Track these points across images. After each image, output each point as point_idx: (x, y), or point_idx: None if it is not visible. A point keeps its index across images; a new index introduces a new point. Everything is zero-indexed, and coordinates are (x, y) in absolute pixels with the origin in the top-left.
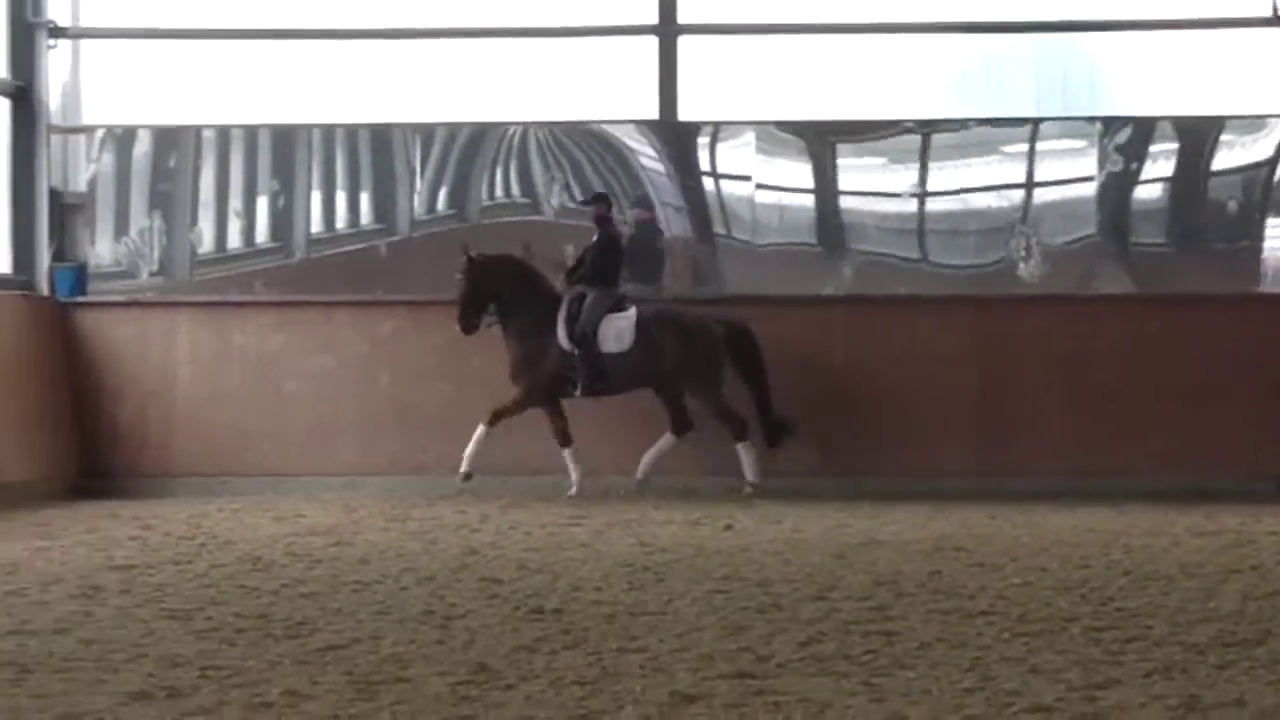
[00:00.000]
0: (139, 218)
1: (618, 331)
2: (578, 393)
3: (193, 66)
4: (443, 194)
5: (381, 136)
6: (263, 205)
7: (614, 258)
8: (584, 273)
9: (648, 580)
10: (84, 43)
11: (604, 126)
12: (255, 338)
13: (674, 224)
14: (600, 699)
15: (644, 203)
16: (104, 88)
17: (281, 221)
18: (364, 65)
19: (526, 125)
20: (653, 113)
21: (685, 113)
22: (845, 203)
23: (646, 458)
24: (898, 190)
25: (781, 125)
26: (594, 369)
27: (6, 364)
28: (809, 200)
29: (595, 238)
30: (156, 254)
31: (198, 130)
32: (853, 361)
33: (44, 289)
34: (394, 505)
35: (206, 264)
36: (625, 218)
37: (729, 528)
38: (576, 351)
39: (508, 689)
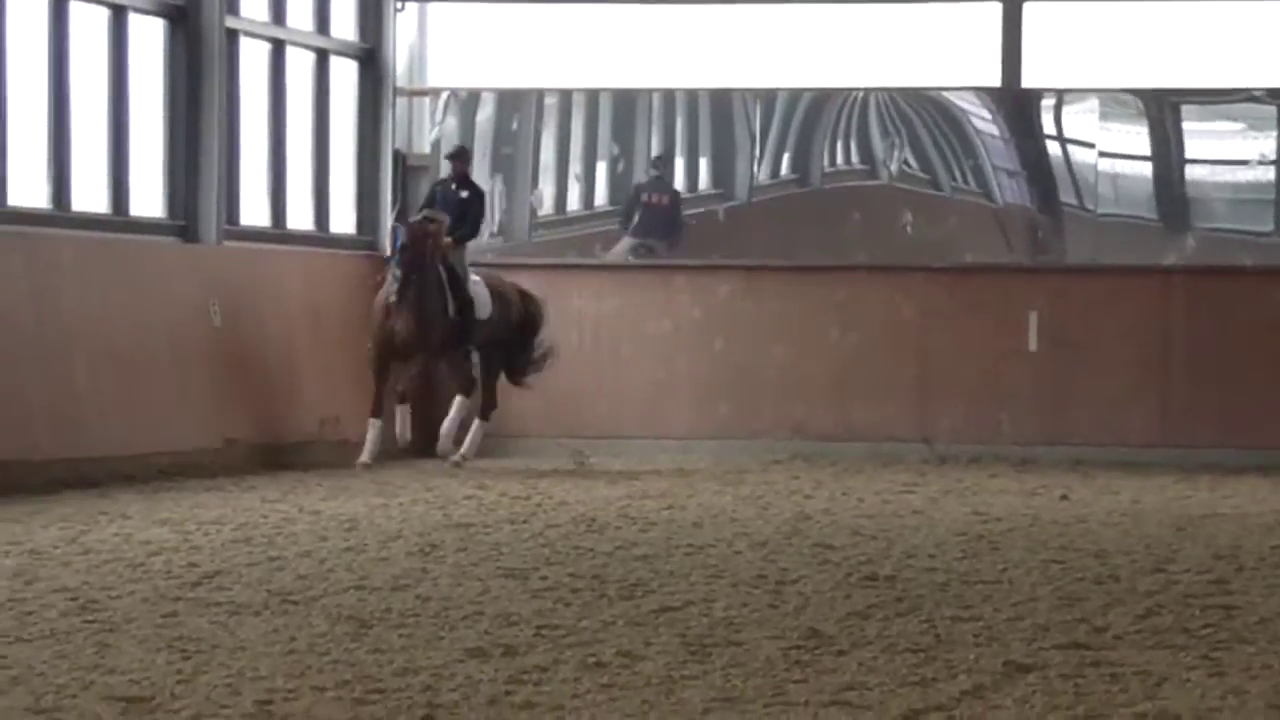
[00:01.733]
0: (480, 180)
1: (482, 299)
2: (473, 359)
3: (536, 30)
4: (784, 159)
5: (722, 101)
6: (602, 169)
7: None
8: (464, 231)
9: (982, 549)
10: (430, 6)
11: (943, 93)
12: (593, 300)
13: (1010, 191)
14: (933, 666)
15: (660, 164)
16: (449, 51)
17: (620, 186)
18: (705, 30)
19: (867, 91)
20: (995, 79)
21: (1028, 79)
22: (1190, 171)
23: (451, 433)
24: (1245, 158)
25: (1127, 92)
26: (474, 335)
27: (349, 323)
28: (1153, 168)
29: (465, 194)
30: (497, 216)
31: (540, 94)
32: (1192, 333)
33: (387, 249)
34: (727, 469)
35: (546, 226)
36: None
37: (1065, 498)
38: (458, 318)
39: (839, 655)
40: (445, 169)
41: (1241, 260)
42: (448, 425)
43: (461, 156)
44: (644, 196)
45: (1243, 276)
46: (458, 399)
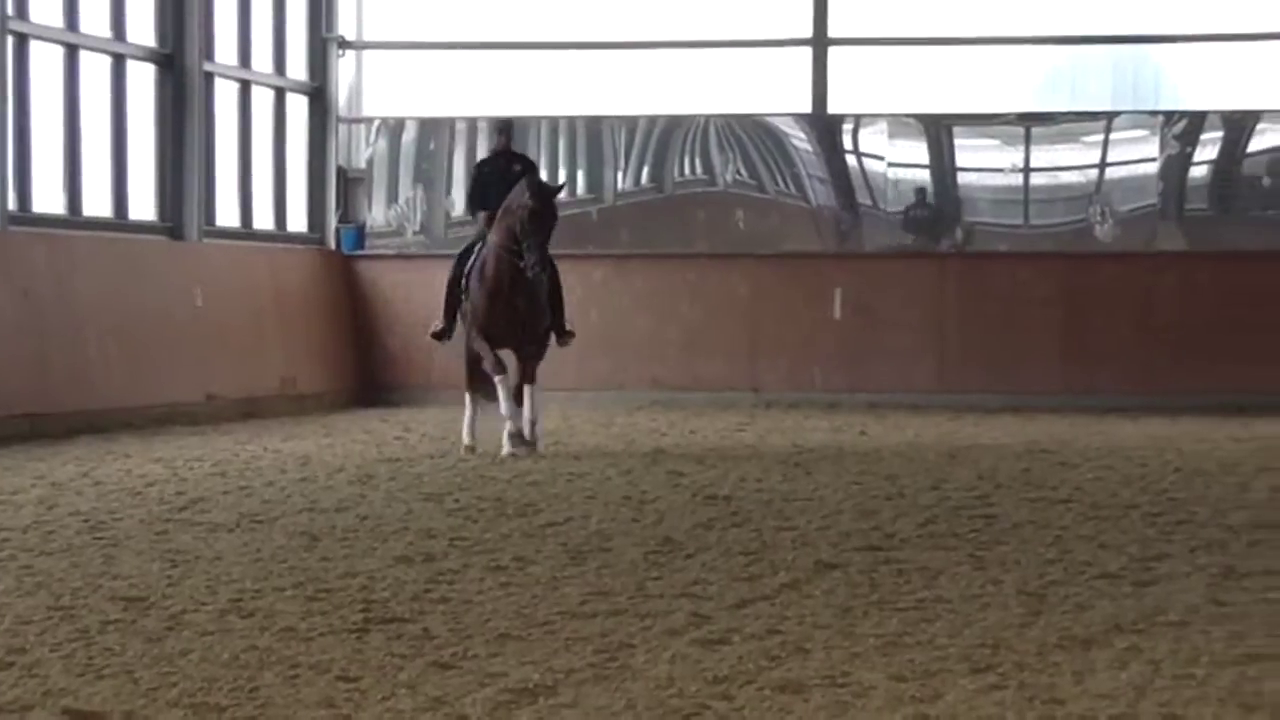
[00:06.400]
0: (406, 189)
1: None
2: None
3: (449, 71)
4: (643, 171)
5: (594, 126)
6: None
7: None
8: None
9: (799, 474)
10: (366, 52)
11: (768, 118)
12: None
13: (820, 194)
14: (759, 566)
15: (923, 193)
16: (380, 87)
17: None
18: (581, 70)
19: (707, 118)
20: (807, 107)
21: (833, 106)
22: (959, 178)
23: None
24: (1000, 167)
25: (910, 116)
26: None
27: (304, 303)
28: (930, 176)
29: (518, 167)
30: (419, 217)
31: (452, 121)
32: (961, 303)
33: (332, 245)
34: (601, 414)
35: (458, 225)
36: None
37: (863, 433)
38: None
39: (688, 558)
40: (488, 146)
41: (998, 246)
42: (530, 415)
43: (508, 129)
44: (910, 213)
45: (999, 259)
46: (528, 387)
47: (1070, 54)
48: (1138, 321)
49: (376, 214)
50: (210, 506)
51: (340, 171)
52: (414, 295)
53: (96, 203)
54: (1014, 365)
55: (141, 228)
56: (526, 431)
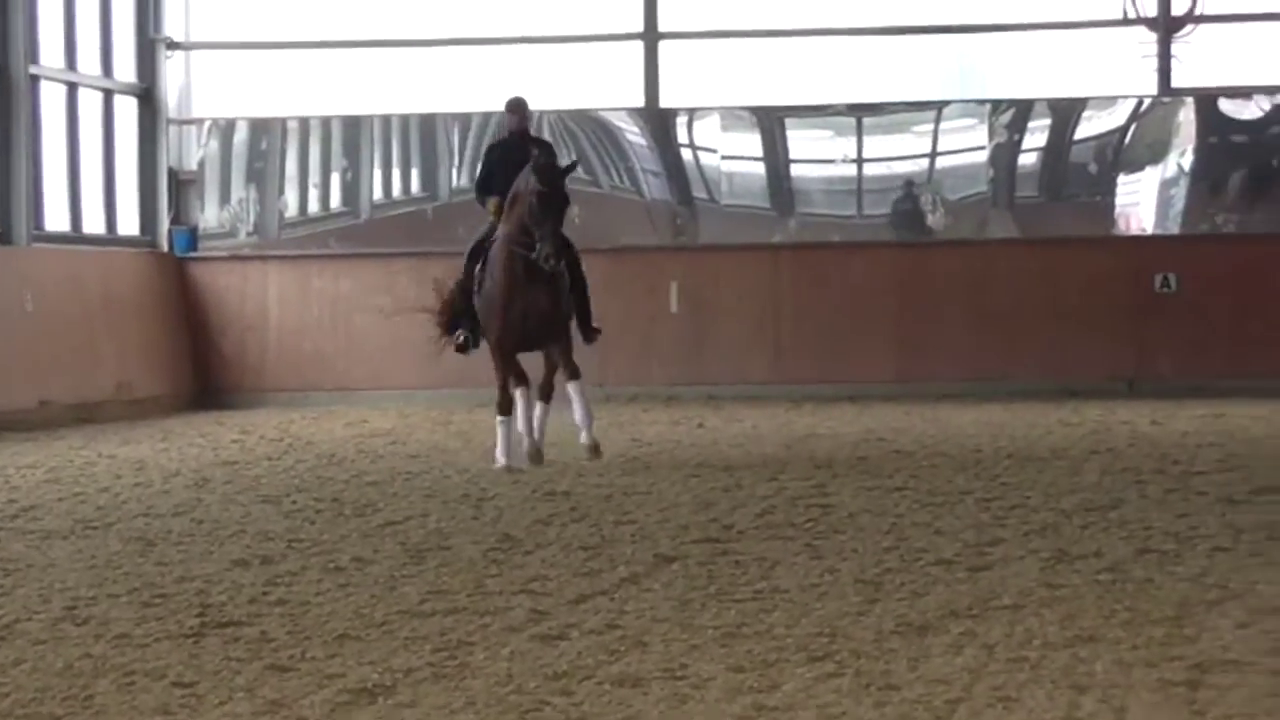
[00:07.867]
0: (238, 190)
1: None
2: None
3: (280, 70)
4: (478, 168)
5: (428, 124)
6: (335, 179)
7: None
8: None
9: (637, 467)
10: (194, 53)
11: (601, 113)
12: (330, 282)
13: (654, 188)
14: (599, 560)
15: (911, 186)
16: (210, 88)
17: (350, 191)
18: (414, 68)
19: (540, 113)
20: (639, 101)
21: (665, 100)
22: (793, 169)
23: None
24: (833, 158)
25: (742, 109)
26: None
27: (137, 306)
28: (764, 168)
29: (536, 151)
30: (252, 218)
31: (284, 121)
32: (796, 294)
33: (165, 247)
34: (440, 413)
35: (291, 225)
36: None
37: (701, 426)
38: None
39: (527, 554)
40: (499, 128)
41: (831, 237)
42: (581, 417)
43: (521, 108)
44: (898, 208)
45: (832, 249)
46: (572, 385)
47: (899, 44)
48: (970, 309)
49: (209, 215)
50: (43, 514)
51: (171, 173)
52: (248, 297)
53: None
54: (849, 355)
55: None
56: (584, 436)
